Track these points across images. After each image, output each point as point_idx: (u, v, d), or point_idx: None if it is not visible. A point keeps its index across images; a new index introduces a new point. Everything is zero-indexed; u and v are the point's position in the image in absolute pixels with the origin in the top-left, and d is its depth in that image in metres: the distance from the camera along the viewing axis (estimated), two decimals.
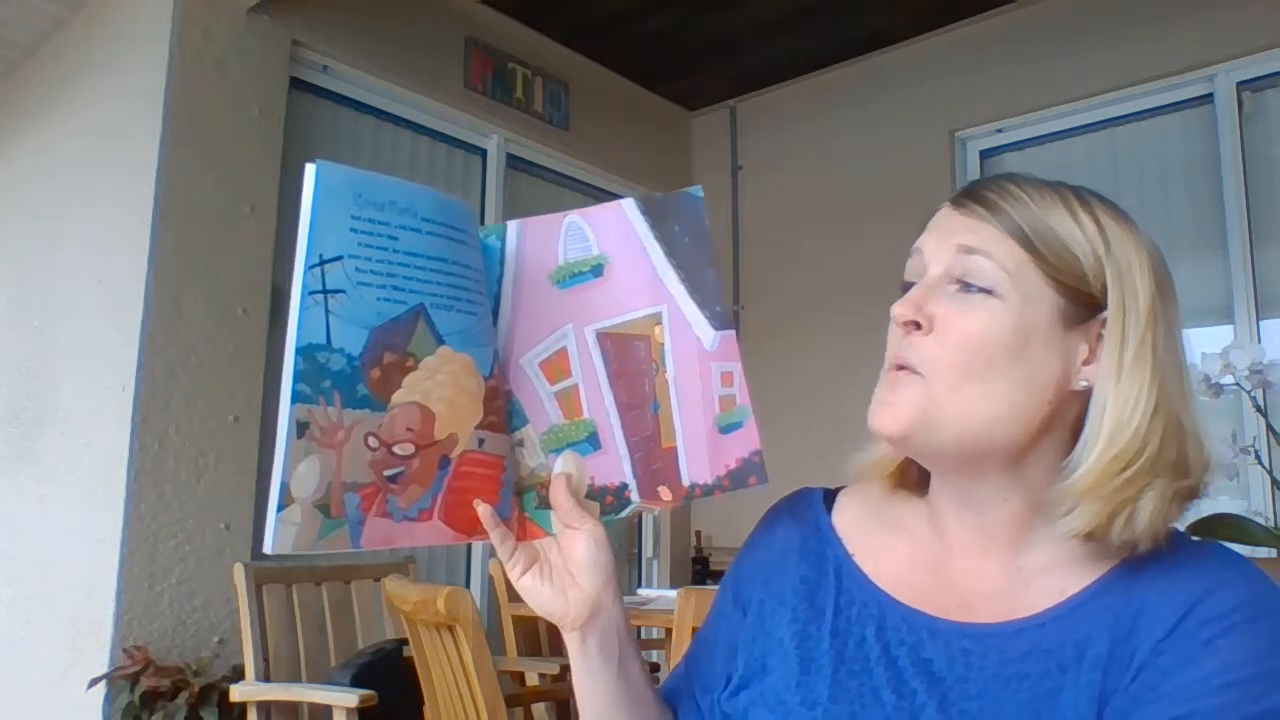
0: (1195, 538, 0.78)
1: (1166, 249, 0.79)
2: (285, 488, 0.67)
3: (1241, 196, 3.55)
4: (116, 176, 3.28)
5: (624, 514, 0.83)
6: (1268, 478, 2.83)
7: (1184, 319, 0.78)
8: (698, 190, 0.86)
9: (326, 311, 0.69)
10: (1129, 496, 0.71)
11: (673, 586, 4.10)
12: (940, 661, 0.76)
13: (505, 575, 2.68)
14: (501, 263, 0.82)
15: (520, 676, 2.97)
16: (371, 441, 0.71)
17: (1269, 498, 3.22)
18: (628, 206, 0.84)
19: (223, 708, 2.66)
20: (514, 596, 3.13)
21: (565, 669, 2.87)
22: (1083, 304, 0.75)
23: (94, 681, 2.75)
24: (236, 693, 2.57)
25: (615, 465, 0.83)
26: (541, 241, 0.83)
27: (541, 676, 2.92)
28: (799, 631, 0.82)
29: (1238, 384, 1.84)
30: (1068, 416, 0.76)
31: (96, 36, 3.62)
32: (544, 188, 4.57)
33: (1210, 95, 3.68)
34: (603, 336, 0.83)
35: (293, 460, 0.67)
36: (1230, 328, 3.51)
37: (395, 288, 0.72)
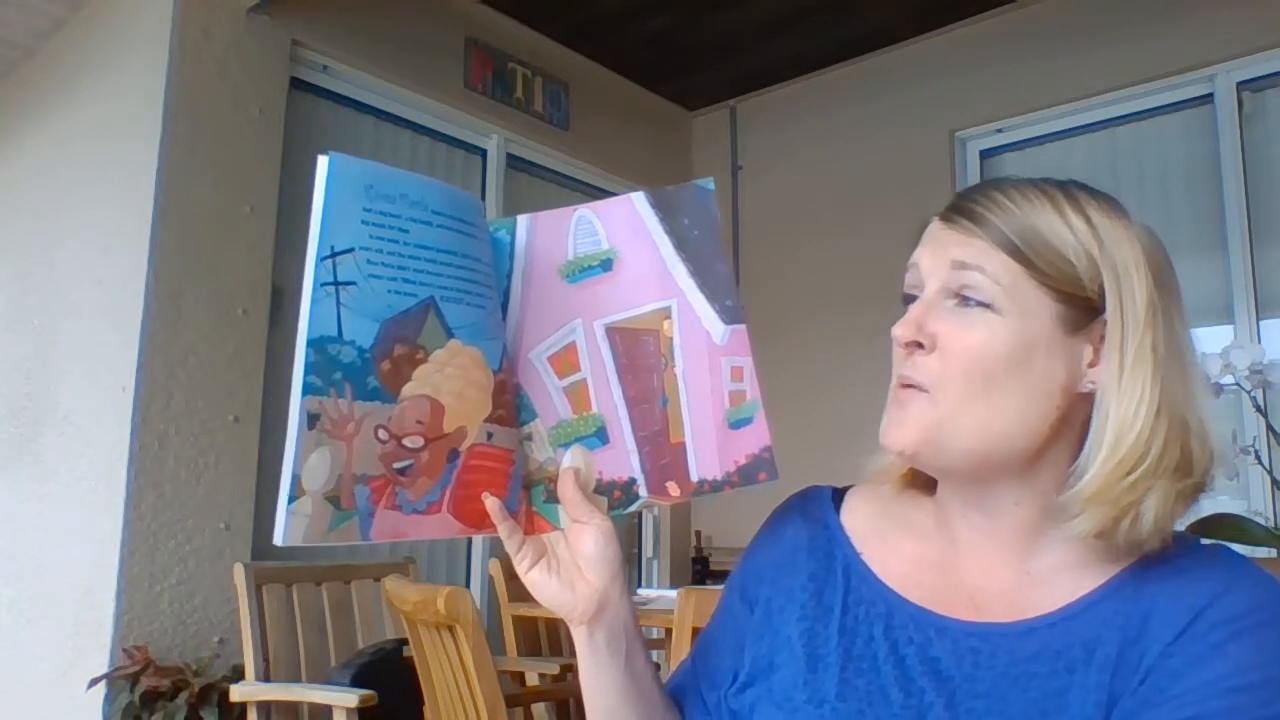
0: (1205, 540, 0.78)
1: (1167, 249, 0.78)
2: (296, 479, 0.67)
3: (1241, 196, 3.55)
4: (116, 176, 3.27)
5: (632, 509, 0.83)
6: (1268, 478, 2.83)
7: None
8: (709, 183, 0.85)
9: (338, 303, 0.68)
10: (1134, 500, 0.71)
11: (673, 586, 4.10)
12: (948, 660, 0.76)
13: (505, 575, 2.67)
14: (511, 257, 0.82)
15: (520, 676, 2.96)
16: (381, 434, 0.71)
17: (1269, 498, 3.22)
18: (637, 200, 0.84)
19: (223, 708, 2.66)
20: (514, 596, 3.14)
21: (565, 669, 2.88)
22: (1082, 308, 0.74)
23: (94, 681, 2.74)
24: (236, 693, 2.57)
25: (623, 460, 0.83)
26: (551, 236, 0.83)
27: (541, 676, 2.91)
28: (807, 629, 0.82)
29: (1238, 384, 1.84)
30: (1076, 420, 0.76)
31: (96, 36, 3.61)
32: (544, 187, 4.57)
33: (1210, 95, 3.68)
34: (612, 331, 0.83)
35: (303, 452, 0.67)
36: (1230, 328, 3.52)
37: (406, 280, 0.72)
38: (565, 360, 0.82)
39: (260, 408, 3.22)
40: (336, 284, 0.68)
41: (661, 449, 0.83)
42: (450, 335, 0.75)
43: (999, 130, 4.23)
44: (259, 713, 2.60)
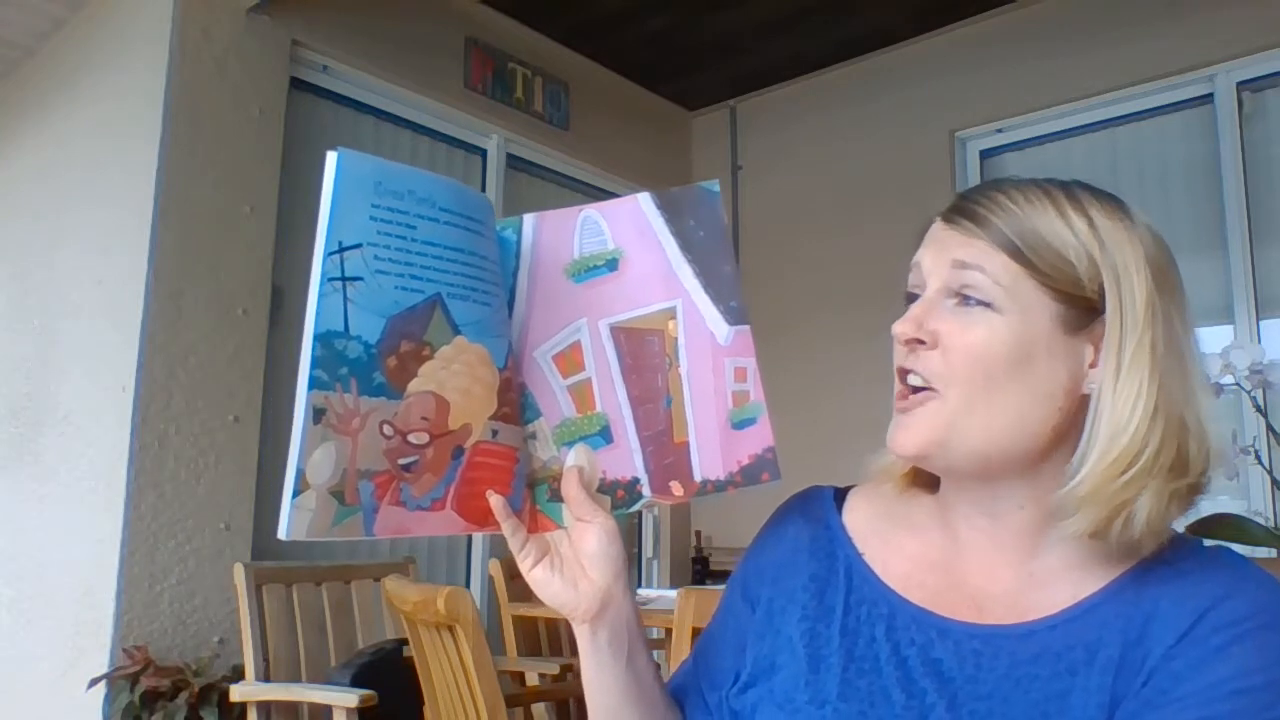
0: (1207, 542, 0.78)
1: (1170, 250, 0.78)
2: (301, 473, 0.67)
3: (1241, 196, 3.55)
4: (116, 176, 3.27)
5: (635, 508, 0.83)
6: (1268, 478, 2.84)
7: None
8: (714, 185, 0.86)
9: (345, 299, 0.68)
10: (1127, 499, 0.71)
11: (673, 586, 4.10)
12: (950, 662, 0.76)
13: (505, 575, 2.67)
14: (517, 256, 0.82)
15: (520, 676, 2.96)
16: (387, 429, 0.71)
17: (1269, 498, 3.23)
18: (643, 201, 0.84)
19: (223, 708, 2.66)
20: (514, 596, 3.14)
21: (565, 669, 2.88)
22: (1082, 308, 0.74)
23: (94, 681, 2.74)
24: (236, 693, 2.57)
25: (627, 459, 0.83)
26: (557, 235, 0.83)
27: (541, 676, 2.91)
28: (808, 630, 0.82)
29: (1238, 384, 1.84)
30: (1079, 422, 0.75)
31: (96, 36, 3.61)
32: (544, 188, 4.57)
33: (1210, 95, 3.69)
34: (616, 330, 0.83)
35: (308, 446, 0.67)
36: (1230, 328, 3.52)
37: (413, 276, 0.72)
38: (570, 359, 0.83)
39: (260, 407, 3.22)
40: (344, 279, 0.68)
41: (665, 449, 0.83)
42: (456, 332, 0.75)
43: (999, 130, 4.23)
44: (259, 713, 2.60)
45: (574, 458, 0.82)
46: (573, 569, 0.82)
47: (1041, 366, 0.74)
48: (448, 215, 0.74)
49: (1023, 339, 0.74)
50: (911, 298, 0.81)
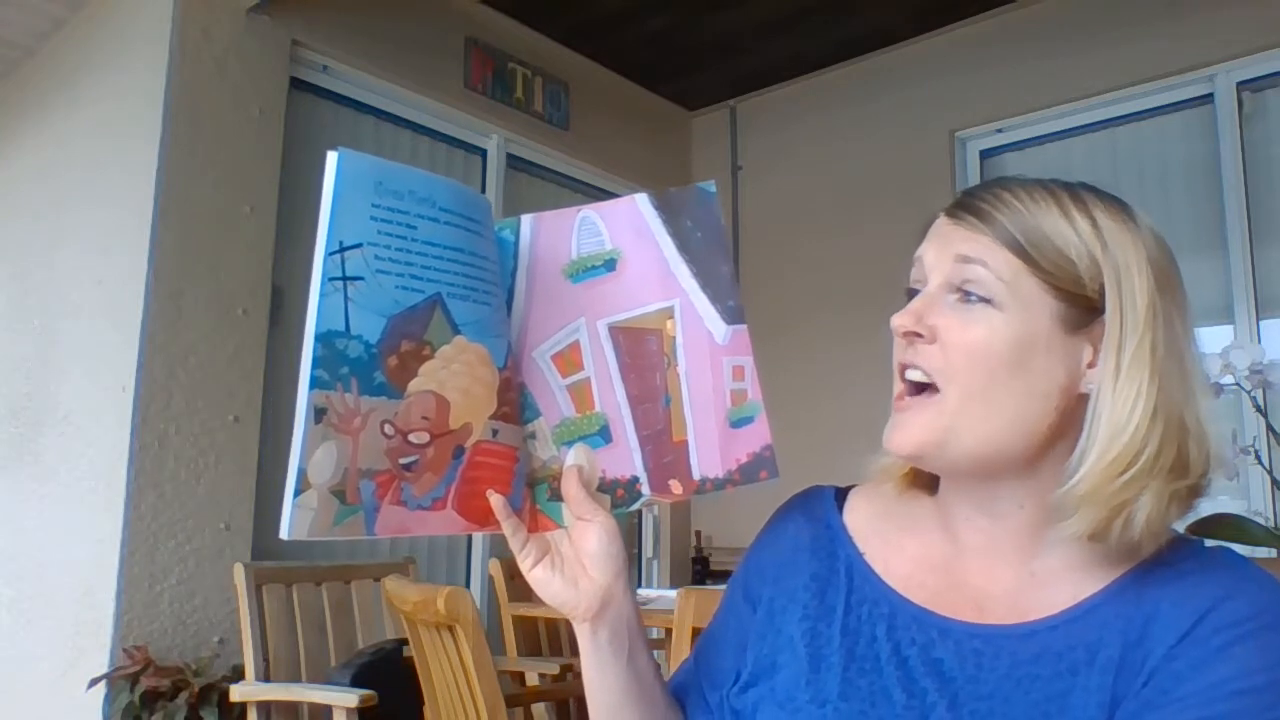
0: (1209, 542, 0.78)
1: (1173, 253, 0.78)
2: (302, 473, 0.67)
3: (1241, 196, 3.55)
4: (116, 176, 3.28)
5: (635, 507, 0.83)
6: (1268, 478, 2.84)
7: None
8: (710, 185, 0.86)
9: (345, 298, 0.69)
10: (1126, 500, 0.71)
11: (673, 586, 4.10)
12: (951, 661, 0.76)
13: (505, 575, 2.67)
14: (515, 256, 0.83)
15: (520, 676, 2.96)
16: (387, 429, 0.71)
17: (1269, 498, 3.23)
18: (641, 201, 0.85)
19: (223, 708, 2.66)
20: (514, 596, 3.14)
21: (565, 669, 2.88)
22: (1082, 308, 0.74)
23: (94, 681, 2.74)
24: (236, 693, 2.57)
25: (626, 458, 0.83)
26: (555, 236, 0.83)
27: (541, 676, 2.91)
28: (809, 629, 0.82)
29: (1238, 384, 1.84)
30: (1077, 422, 0.75)
31: (96, 36, 3.61)
32: (544, 188, 4.57)
33: (1210, 95, 3.69)
34: (615, 330, 0.83)
35: (310, 445, 0.67)
36: (1230, 328, 3.52)
37: (413, 276, 0.72)
38: (569, 359, 0.83)
39: (260, 408, 3.22)
40: (345, 279, 0.69)
41: (664, 447, 0.84)
42: (457, 332, 0.75)
43: (999, 130, 4.23)
44: (259, 713, 2.60)
45: (573, 457, 0.82)
46: (573, 568, 0.82)
47: (1040, 365, 0.74)
48: (448, 215, 0.74)
49: (1022, 337, 0.74)
50: (913, 293, 0.81)
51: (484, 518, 0.78)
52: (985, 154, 4.28)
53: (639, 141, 4.92)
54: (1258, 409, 1.87)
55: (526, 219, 0.83)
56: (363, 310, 0.70)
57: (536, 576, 0.82)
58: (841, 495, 0.92)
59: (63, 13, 3.75)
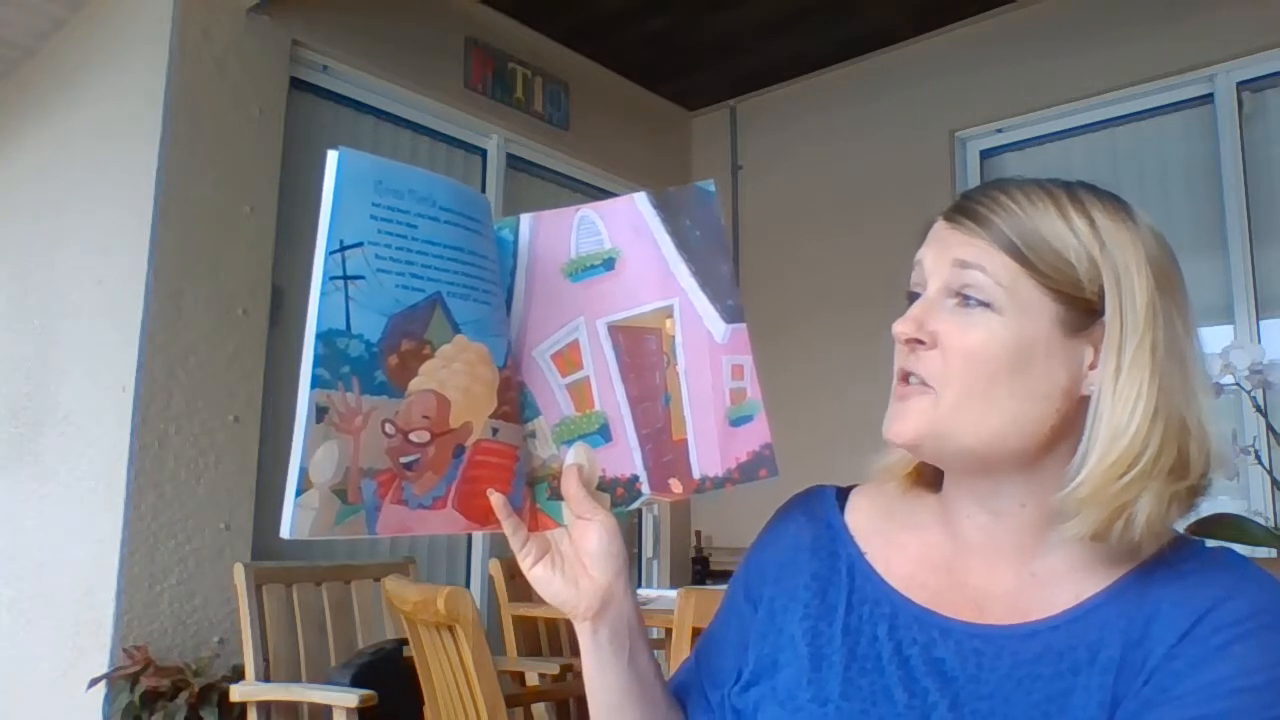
0: (1209, 542, 0.78)
1: (1173, 251, 0.78)
2: (304, 472, 0.67)
3: (1241, 196, 3.55)
4: (116, 176, 3.28)
5: (635, 506, 0.84)
6: (1268, 478, 2.84)
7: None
8: (709, 185, 0.86)
9: (346, 297, 0.69)
10: (1128, 501, 0.71)
11: (673, 586, 4.10)
12: (952, 661, 0.76)
13: (505, 575, 2.67)
14: (514, 255, 0.83)
15: (520, 676, 2.96)
16: (388, 428, 0.71)
17: (1269, 498, 3.23)
18: (639, 200, 0.85)
19: (223, 708, 2.66)
20: (514, 596, 3.14)
21: (565, 669, 2.87)
22: (1082, 310, 0.74)
23: (94, 681, 2.74)
24: (236, 693, 2.57)
25: (626, 457, 0.83)
26: (554, 235, 0.84)
27: (541, 676, 2.91)
28: (811, 628, 0.82)
29: (1238, 384, 1.85)
30: (1079, 422, 0.75)
31: (96, 36, 3.61)
32: (544, 188, 4.57)
33: (1210, 95, 3.69)
34: (614, 329, 0.84)
35: (311, 445, 0.67)
36: (1230, 328, 3.52)
37: (414, 275, 0.72)
38: (568, 358, 0.83)
39: (260, 408, 3.22)
40: (345, 278, 0.69)
41: (664, 446, 0.84)
42: (457, 331, 0.75)
43: (999, 130, 4.23)
44: (259, 713, 2.60)
45: (573, 456, 0.82)
46: (573, 567, 0.82)
47: (1040, 368, 0.74)
48: (448, 214, 0.74)
49: (1022, 340, 0.74)
50: (913, 296, 0.81)
51: (484, 517, 0.78)
52: (985, 154, 4.28)
53: (639, 141, 4.92)
54: (1258, 409, 1.87)
55: (525, 218, 0.83)
56: (363, 309, 0.70)
57: (537, 575, 0.82)
58: (843, 495, 0.92)
59: (63, 13, 3.75)
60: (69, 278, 3.46)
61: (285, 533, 0.66)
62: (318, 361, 0.68)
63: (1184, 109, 3.78)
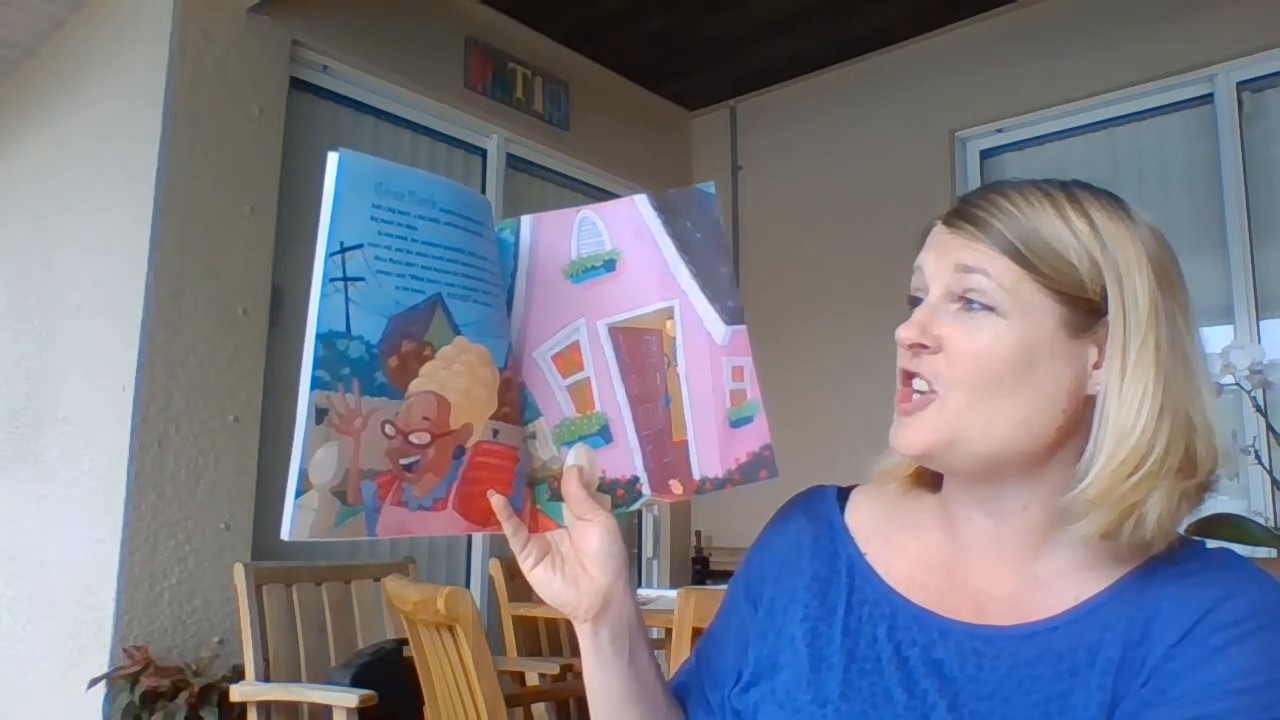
0: (1209, 542, 0.78)
1: (1173, 248, 0.78)
2: (304, 474, 0.67)
3: (1241, 196, 3.55)
4: (116, 176, 3.28)
5: (635, 507, 0.84)
6: (1268, 478, 2.84)
7: None
8: (709, 186, 0.87)
9: (346, 299, 0.69)
10: (1137, 500, 0.71)
11: (673, 586, 4.10)
12: (952, 662, 0.76)
13: (505, 575, 2.67)
14: (515, 257, 0.83)
15: (520, 676, 2.96)
16: (388, 429, 0.71)
17: (1269, 498, 3.23)
18: (640, 202, 0.85)
19: (223, 708, 2.66)
20: (514, 596, 3.14)
21: (565, 669, 2.87)
22: (1085, 310, 0.74)
23: (94, 681, 2.74)
24: (236, 693, 2.57)
25: (626, 458, 0.83)
26: (555, 236, 0.84)
27: (541, 676, 2.91)
28: (810, 629, 0.82)
29: (1238, 384, 1.85)
30: (1084, 424, 0.75)
31: (96, 36, 3.61)
32: (544, 188, 4.57)
33: (1210, 95, 3.69)
34: (615, 331, 0.84)
35: (311, 446, 0.67)
36: (1230, 328, 3.52)
37: (414, 277, 0.72)
38: (569, 359, 0.83)
39: (260, 408, 3.22)
40: (345, 279, 0.69)
41: (664, 447, 0.84)
42: (457, 332, 0.75)
43: (999, 130, 4.23)
44: (259, 713, 2.60)
45: (574, 457, 0.82)
46: (574, 568, 0.82)
47: (1045, 369, 0.74)
48: (448, 215, 0.74)
49: (1026, 343, 0.74)
50: (914, 301, 0.81)
51: (485, 518, 0.78)
52: (985, 154, 4.28)
53: (639, 141, 4.92)
54: (1258, 409, 1.87)
55: (526, 220, 0.83)
56: (364, 311, 0.70)
57: (537, 577, 0.82)
58: (843, 495, 0.92)
59: (63, 13, 3.75)
60: (69, 278, 3.46)
61: (285, 534, 0.66)
62: (318, 363, 0.68)
63: (1184, 109, 3.78)
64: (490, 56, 4.21)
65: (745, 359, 0.85)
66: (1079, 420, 0.75)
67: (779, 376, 4.15)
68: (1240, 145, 3.59)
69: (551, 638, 3.25)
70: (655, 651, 0.89)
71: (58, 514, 3.23)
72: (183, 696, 2.65)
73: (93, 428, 3.12)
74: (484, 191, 4.24)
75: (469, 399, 0.76)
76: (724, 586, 0.96)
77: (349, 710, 2.34)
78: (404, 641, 2.50)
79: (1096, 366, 0.75)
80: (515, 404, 0.80)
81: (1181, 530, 0.79)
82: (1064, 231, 0.75)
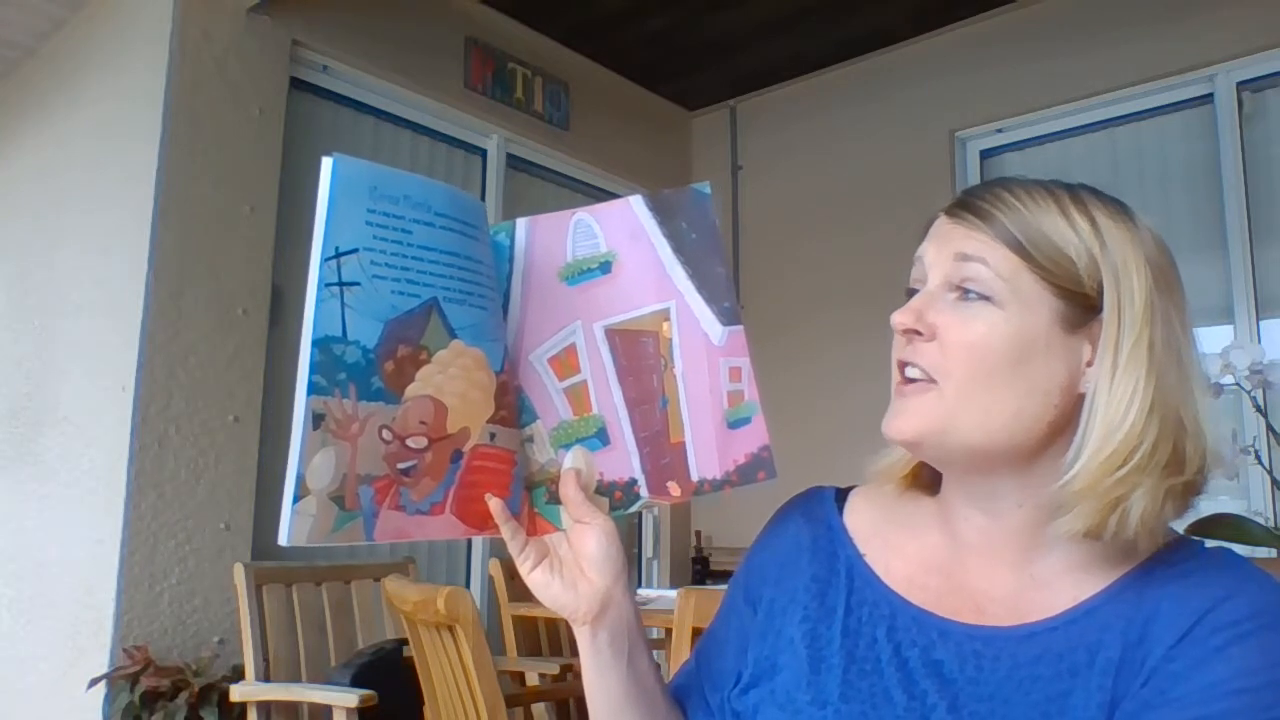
0: (1208, 542, 0.78)
1: (1173, 255, 0.79)
2: (301, 479, 0.67)
3: (1241, 196, 3.55)
4: (116, 176, 3.28)
5: (633, 509, 0.84)
6: (1268, 478, 2.84)
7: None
8: (705, 187, 0.86)
9: (342, 304, 0.69)
10: (1122, 494, 0.71)
11: (673, 586, 4.10)
12: (952, 663, 0.76)
13: (505, 575, 2.67)
14: (511, 260, 0.83)
15: (520, 676, 2.97)
16: (385, 434, 0.71)
17: (1269, 498, 3.23)
18: (635, 203, 0.85)
19: (223, 708, 2.66)
20: (514, 596, 3.14)
21: (565, 669, 2.88)
22: (1081, 306, 0.75)
23: (94, 681, 2.74)
24: (236, 693, 2.57)
25: (624, 461, 0.83)
26: (550, 239, 0.83)
27: (541, 676, 2.91)
28: (810, 630, 0.82)
29: (1238, 384, 1.85)
30: (1075, 420, 0.75)
31: (96, 36, 3.61)
32: (544, 188, 4.57)
33: (1210, 95, 3.68)
34: (611, 333, 0.84)
35: (308, 451, 0.67)
36: (1230, 328, 3.52)
37: (409, 281, 0.72)
38: (565, 362, 0.83)
39: (260, 408, 3.22)
40: (341, 284, 0.69)
41: (662, 449, 0.84)
42: (453, 336, 0.75)
43: (999, 130, 4.23)
44: (259, 713, 2.60)
45: (571, 460, 0.82)
46: (572, 571, 0.82)
47: (1039, 363, 0.74)
48: (443, 219, 0.74)
49: (1022, 334, 0.74)
50: (913, 292, 0.81)
51: (483, 521, 0.78)
52: (985, 154, 4.28)
53: (639, 141, 4.92)
54: (1258, 409, 1.87)
55: (521, 222, 0.83)
56: (359, 315, 0.70)
57: (536, 580, 0.82)
58: (842, 496, 0.92)
59: (63, 13, 3.75)
60: (69, 278, 3.46)
61: (283, 539, 0.66)
62: (314, 368, 0.68)
63: (1184, 109, 3.78)
64: (490, 56, 4.21)
65: (743, 360, 0.85)
66: (1069, 417, 0.75)
67: (779, 376, 4.15)
68: (1240, 145, 3.58)
69: (551, 638, 3.25)
70: (655, 652, 0.89)
71: (58, 514, 3.23)
72: (183, 696, 2.66)
73: (93, 428, 3.13)
74: (484, 192, 4.24)
75: (466, 403, 0.75)
76: (724, 587, 0.96)
77: (349, 710, 2.34)
78: (404, 641, 2.50)
79: (1089, 364, 0.75)
80: (512, 407, 0.80)
81: (1181, 531, 0.79)
82: (1065, 227, 0.75)
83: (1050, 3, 4.00)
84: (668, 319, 0.84)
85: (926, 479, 0.87)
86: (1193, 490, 0.74)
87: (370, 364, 0.70)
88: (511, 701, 2.43)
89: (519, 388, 0.82)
